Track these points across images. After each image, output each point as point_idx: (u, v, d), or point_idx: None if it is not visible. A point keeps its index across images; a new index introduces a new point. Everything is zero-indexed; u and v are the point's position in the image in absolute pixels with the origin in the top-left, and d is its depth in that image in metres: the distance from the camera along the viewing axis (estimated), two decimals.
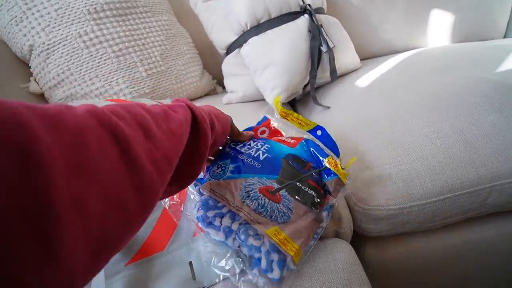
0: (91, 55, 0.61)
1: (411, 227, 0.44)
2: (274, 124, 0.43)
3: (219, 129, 0.29)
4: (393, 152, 0.45)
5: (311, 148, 0.38)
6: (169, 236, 0.32)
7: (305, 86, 0.67)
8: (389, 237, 0.46)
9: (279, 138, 0.40)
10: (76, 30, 0.59)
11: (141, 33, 0.68)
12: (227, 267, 0.28)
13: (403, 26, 0.88)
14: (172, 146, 0.19)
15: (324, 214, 0.33)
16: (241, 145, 0.37)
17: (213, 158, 0.37)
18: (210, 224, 0.29)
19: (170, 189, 0.23)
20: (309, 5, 0.64)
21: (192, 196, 0.34)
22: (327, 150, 0.39)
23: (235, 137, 0.37)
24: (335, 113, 0.61)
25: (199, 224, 0.30)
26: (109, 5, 0.63)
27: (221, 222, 0.29)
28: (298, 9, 0.65)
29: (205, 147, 0.25)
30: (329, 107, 0.64)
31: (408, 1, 0.86)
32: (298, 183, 0.32)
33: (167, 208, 0.34)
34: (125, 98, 0.63)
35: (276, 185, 0.31)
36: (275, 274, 0.27)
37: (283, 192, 0.31)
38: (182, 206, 0.33)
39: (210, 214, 0.29)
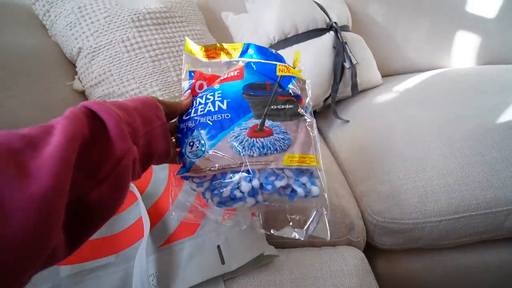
0: (131, 59, 0.67)
1: (424, 243, 0.45)
2: (204, 71, 0.36)
3: (146, 130, 0.23)
4: (410, 168, 0.46)
5: (255, 69, 0.34)
6: (199, 222, 0.34)
7: (326, 99, 0.70)
8: (402, 251, 0.47)
9: (221, 79, 0.34)
10: (120, 35, 0.66)
11: (176, 41, 0.73)
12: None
13: (427, 46, 0.89)
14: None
15: (308, 114, 0.31)
16: (192, 111, 0.31)
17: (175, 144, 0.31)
18: (233, 200, 0.27)
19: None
20: (335, 22, 0.67)
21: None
22: (270, 62, 0.35)
23: (178, 112, 0.31)
24: (354, 128, 0.63)
25: (225, 209, 0.29)
26: (150, 14, 0.69)
27: (241, 191, 0.27)
28: (324, 26, 0.68)
29: (128, 170, 0.20)
30: (348, 121, 0.66)
31: (434, 22, 0.87)
32: (272, 106, 0.30)
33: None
34: None
35: (257, 121, 0.29)
36: (314, 191, 0.28)
37: (268, 123, 0.29)
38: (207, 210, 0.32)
39: (226, 193, 0.27)
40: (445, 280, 0.48)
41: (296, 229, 0.29)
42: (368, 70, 0.75)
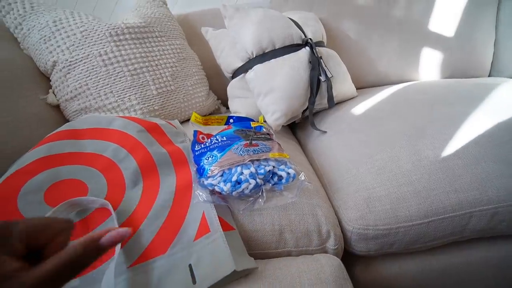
0: (108, 73, 0.66)
1: (398, 248, 0.47)
2: (203, 131, 0.55)
3: None
4: (383, 176, 0.49)
5: (237, 127, 0.55)
6: (171, 240, 0.34)
7: (304, 111, 0.73)
8: (378, 256, 0.49)
9: (218, 131, 0.54)
10: (97, 49, 0.65)
11: (155, 55, 0.73)
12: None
13: (397, 60, 0.96)
14: None
15: (276, 141, 0.51)
16: (203, 146, 0.48)
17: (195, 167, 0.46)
18: (239, 183, 0.40)
19: None
20: (310, 39, 0.71)
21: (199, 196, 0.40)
22: (247, 121, 0.61)
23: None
24: (332, 138, 0.65)
25: (234, 194, 0.40)
26: (129, 29, 0.69)
27: (246, 176, 0.40)
28: (300, 42, 0.71)
29: None
30: (325, 132, 0.68)
31: (402, 39, 0.94)
32: (254, 135, 0.50)
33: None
34: (135, 114, 0.68)
35: (247, 141, 0.46)
36: (291, 172, 0.43)
37: (255, 141, 0.47)
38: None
39: (234, 178, 0.39)
40: (421, 283, 0.50)
41: (288, 195, 0.42)
42: (343, 83, 0.79)
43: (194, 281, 0.31)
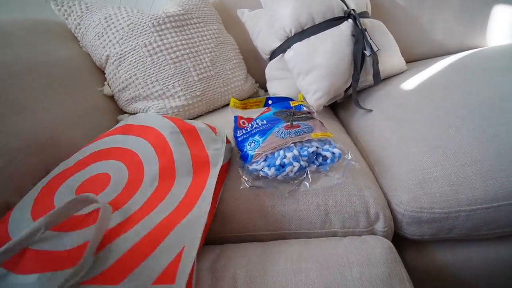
0: (153, 62, 0.70)
1: (459, 234, 0.43)
2: (243, 115, 0.55)
3: None
4: (439, 156, 0.44)
5: (276, 108, 0.54)
6: (132, 268, 0.28)
7: (347, 89, 0.68)
8: (433, 242, 0.45)
9: (258, 114, 0.54)
10: (142, 41, 0.69)
11: (194, 42, 0.75)
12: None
13: (455, 25, 0.84)
14: None
15: (318, 119, 0.50)
16: (245, 132, 0.48)
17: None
18: (283, 167, 0.40)
19: None
20: (353, 10, 0.65)
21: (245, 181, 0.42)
22: (286, 100, 0.60)
23: None
24: (378, 116, 0.61)
25: (279, 177, 0.40)
26: (170, 18, 0.72)
27: (290, 159, 0.40)
28: (342, 14, 0.66)
29: None
30: (371, 110, 0.64)
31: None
32: (295, 116, 0.49)
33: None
34: (179, 100, 0.71)
35: (288, 123, 0.46)
36: (336, 152, 0.41)
37: (295, 122, 0.46)
38: None
39: (277, 162, 0.40)
40: (483, 273, 0.46)
41: (334, 175, 0.41)
42: (390, 56, 0.72)
43: None
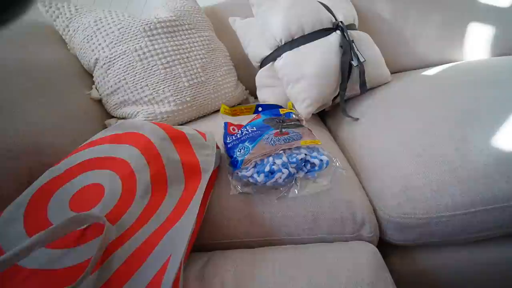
0: (143, 67, 0.70)
1: (440, 238, 0.44)
2: (233, 122, 0.55)
3: None
4: (422, 164, 0.46)
5: (266, 115, 0.55)
6: (121, 284, 0.28)
7: (335, 98, 0.70)
8: (416, 246, 0.47)
9: (248, 121, 0.54)
10: (133, 45, 0.69)
11: (185, 48, 0.76)
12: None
13: (437, 39, 0.88)
14: None
15: (306, 127, 0.50)
16: (235, 138, 0.49)
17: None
18: (272, 173, 0.40)
19: None
20: (341, 22, 0.68)
21: (235, 188, 0.42)
22: (275, 108, 0.60)
23: None
24: (364, 125, 0.63)
25: (268, 184, 0.41)
26: (161, 23, 0.72)
27: (279, 166, 0.40)
28: (330, 26, 0.69)
29: None
30: (358, 119, 0.66)
31: (444, 16, 0.86)
32: (284, 123, 0.49)
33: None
34: (169, 105, 0.71)
35: (277, 130, 0.47)
36: (324, 159, 0.42)
37: (285, 129, 0.47)
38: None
39: (267, 169, 0.40)
40: (464, 277, 0.47)
41: (322, 182, 0.42)
42: (376, 67, 0.75)
43: None
